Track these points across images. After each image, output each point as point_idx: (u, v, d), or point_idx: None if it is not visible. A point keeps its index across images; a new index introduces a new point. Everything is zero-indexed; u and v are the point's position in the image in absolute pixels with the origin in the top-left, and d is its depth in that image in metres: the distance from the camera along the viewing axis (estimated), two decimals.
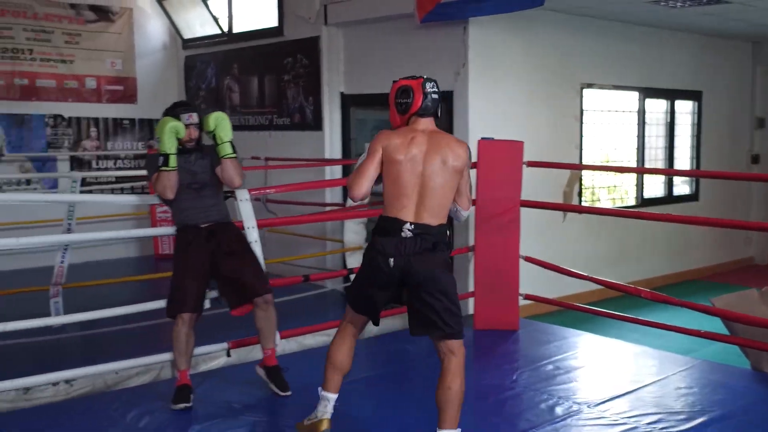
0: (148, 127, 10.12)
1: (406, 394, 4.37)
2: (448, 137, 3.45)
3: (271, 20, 8.76)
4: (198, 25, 9.78)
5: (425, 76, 3.52)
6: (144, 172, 9.54)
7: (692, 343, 5.89)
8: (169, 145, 4.12)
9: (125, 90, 9.96)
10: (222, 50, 9.56)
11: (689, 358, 5.09)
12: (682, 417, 3.96)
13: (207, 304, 5.29)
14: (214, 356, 4.81)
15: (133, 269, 9.09)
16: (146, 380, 4.57)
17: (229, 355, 4.63)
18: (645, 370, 4.82)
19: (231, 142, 4.26)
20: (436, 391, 3.34)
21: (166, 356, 4.44)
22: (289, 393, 4.21)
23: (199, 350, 4.50)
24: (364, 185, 3.43)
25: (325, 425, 3.50)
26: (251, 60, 9.18)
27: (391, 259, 3.31)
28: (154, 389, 4.36)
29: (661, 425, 3.86)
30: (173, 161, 4.13)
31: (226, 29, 9.39)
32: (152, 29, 10.19)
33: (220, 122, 4.20)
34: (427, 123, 3.46)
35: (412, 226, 3.31)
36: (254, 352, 4.96)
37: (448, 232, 3.41)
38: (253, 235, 4.56)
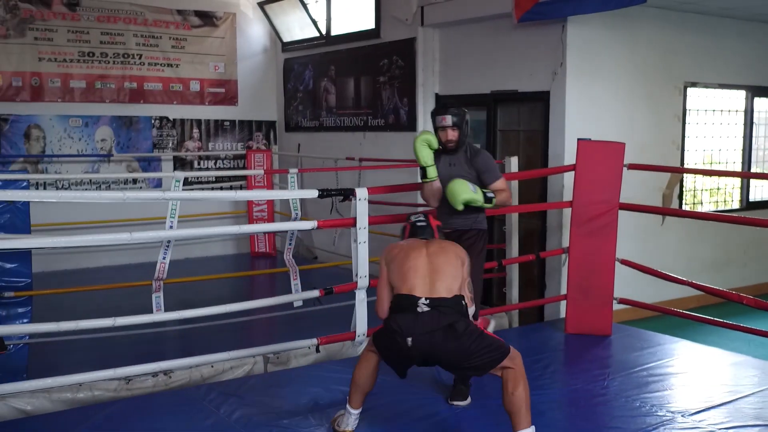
0: (247, 128, 10.44)
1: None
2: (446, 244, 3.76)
3: (368, 22, 8.87)
4: (297, 29, 10.00)
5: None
6: (242, 172, 9.94)
7: None
8: (424, 158, 4.22)
9: (226, 92, 10.30)
10: (319, 53, 9.75)
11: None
12: None
13: (300, 302, 5.45)
14: (304, 352, 4.91)
15: (231, 266, 9.38)
16: (239, 374, 4.71)
17: (318, 350, 4.72)
18: (745, 380, 4.62)
19: (423, 167, 4.28)
20: (502, 400, 3.42)
21: (259, 350, 4.57)
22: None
23: (288, 345, 4.61)
24: (383, 305, 3.66)
25: None
26: (348, 62, 9.32)
27: (410, 339, 3.38)
28: (247, 383, 4.49)
29: None
30: (431, 172, 4.24)
31: (324, 32, 9.56)
32: (254, 33, 10.49)
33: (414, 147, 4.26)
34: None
35: (427, 300, 3.45)
36: (344, 349, 5.05)
37: (464, 302, 3.52)
38: (363, 236, 4.60)
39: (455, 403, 4.15)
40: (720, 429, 3.82)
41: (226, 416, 3.97)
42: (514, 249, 6.38)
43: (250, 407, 4.09)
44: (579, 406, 4.23)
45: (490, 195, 4.17)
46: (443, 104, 4.37)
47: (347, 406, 3.71)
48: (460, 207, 4.09)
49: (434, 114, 4.31)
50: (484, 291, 7.57)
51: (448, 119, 4.21)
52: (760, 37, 8.25)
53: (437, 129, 4.28)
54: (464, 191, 4.06)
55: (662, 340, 5.42)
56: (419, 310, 3.39)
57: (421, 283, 3.47)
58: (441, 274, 3.50)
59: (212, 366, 4.64)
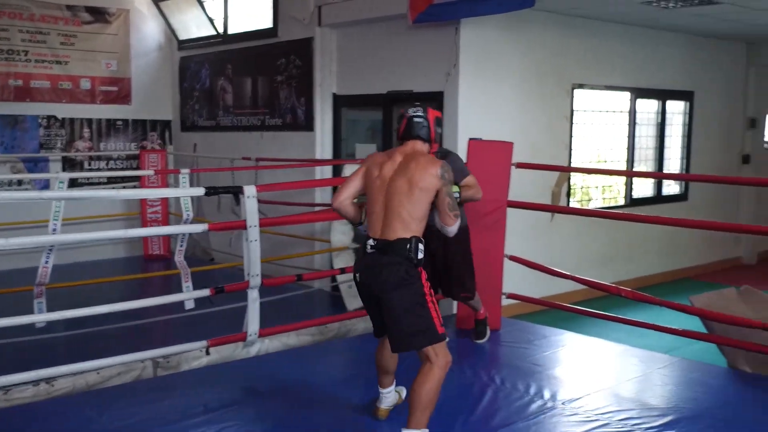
0: (141, 128, 10.20)
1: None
2: (423, 158, 3.55)
3: (265, 21, 8.82)
4: (194, 27, 9.84)
5: (417, 104, 3.77)
6: (135, 173, 9.69)
7: (675, 341, 5.93)
8: None
9: (120, 91, 10.03)
10: (216, 51, 9.62)
11: (669, 357, 5.11)
12: (655, 414, 3.99)
13: (192, 304, 5.36)
14: (195, 356, 4.83)
15: (122, 270, 9.13)
16: (128, 380, 4.59)
17: (208, 353, 4.66)
18: (625, 368, 4.84)
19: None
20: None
21: (147, 354, 4.48)
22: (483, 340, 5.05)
23: (178, 348, 4.54)
24: (341, 194, 3.70)
25: (380, 413, 3.96)
26: (245, 61, 9.24)
27: (358, 274, 3.54)
28: (134, 388, 4.39)
29: (633, 421, 3.88)
30: None
31: (221, 30, 9.45)
32: (148, 30, 10.25)
33: None
34: (411, 145, 3.65)
35: (374, 241, 3.48)
36: (237, 351, 5.00)
37: (409, 246, 3.42)
38: (253, 234, 4.56)
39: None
40: (597, 414, 3.99)
41: (110, 423, 3.87)
42: None
43: (136, 413, 4.00)
44: (467, 398, 4.33)
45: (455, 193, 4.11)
46: (414, 105, 4.36)
47: (378, 386, 3.97)
48: None
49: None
50: None
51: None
52: (643, 41, 8.64)
53: None
54: None
55: (548, 332, 5.60)
56: (368, 250, 3.50)
57: (375, 219, 3.53)
58: (394, 211, 3.46)
59: (98, 372, 4.49)
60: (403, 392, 4.07)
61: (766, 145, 10.62)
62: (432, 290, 3.53)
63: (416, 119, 3.68)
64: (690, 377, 4.61)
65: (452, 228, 3.55)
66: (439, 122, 3.78)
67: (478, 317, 5.29)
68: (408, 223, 3.45)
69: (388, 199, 3.49)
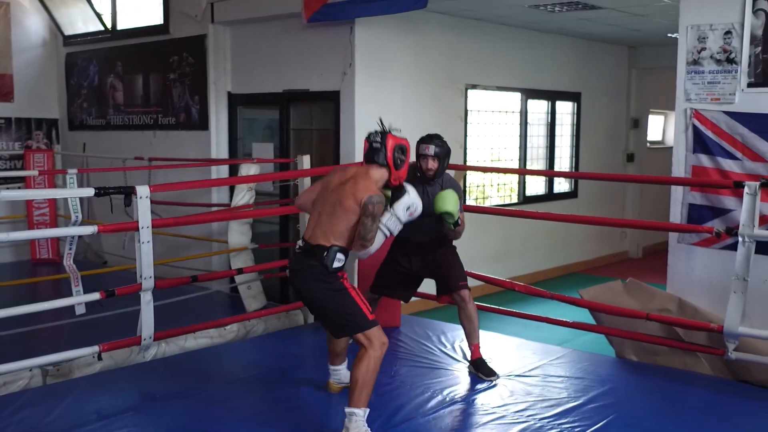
0: (26, 127, 9.73)
1: (292, 392, 4.37)
2: (362, 183, 3.72)
3: (156, 18, 8.58)
4: (80, 21, 9.47)
5: (379, 131, 3.91)
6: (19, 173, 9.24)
7: (567, 333, 6.16)
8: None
9: (1, 87, 9.52)
10: (105, 47, 9.30)
11: (562, 348, 5.30)
12: (549, 404, 4.13)
13: (82, 309, 5.16)
14: (87, 362, 4.66)
15: (8, 275, 8.69)
16: (14, 389, 4.38)
17: (100, 358, 4.50)
18: (520, 361, 4.98)
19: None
20: None
21: (35, 362, 4.28)
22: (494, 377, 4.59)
23: (68, 355, 4.36)
24: (303, 196, 4.11)
25: (329, 387, 4.38)
26: (135, 58, 8.97)
27: (288, 271, 3.89)
28: (21, 398, 4.19)
29: (528, 413, 4.01)
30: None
31: (109, 26, 9.14)
32: (31, 25, 9.78)
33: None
34: (366, 167, 3.86)
35: (303, 242, 3.78)
36: (132, 356, 4.86)
37: (326, 254, 3.66)
38: (146, 236, 4.44)
39: None
40: (493, 408, 4.10)
41: None
42: None
43: (23, 422, 3.83)
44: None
45: (458, 221, 4.36)
46: (429, 135, 4.56)
47: None
48: (441, 210, 4.26)
49: (419, 142, 4.51)
50: (281, 288, 7.60)
51: (431, 149, 4.47)
52: (533, 44, 8.92)
53: (419, 156, 4.51)
54: (452, 203, 4.26)
55: (447, 328, 5.70)
56: (296, 249, 3.79)
57: (310, 222, 3.83)
58: (322, 220, 3.74)
59: None
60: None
61: (649, 145, 11.18)
62: (353, 287, 3.76)
63: (374, 144, 3.84)
64: (580, 367, 4.80)
65: (360, 253, 3.73)
66: (401, 149, 3.84)
67: (474, 356, 4.73)
68: (327, 234, 3.70)
69: (322, 208, 3.76)
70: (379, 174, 3.81)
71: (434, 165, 4.50)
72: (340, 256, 3.69)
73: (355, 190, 3.66)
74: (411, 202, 3.83)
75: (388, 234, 3.79)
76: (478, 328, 4.70)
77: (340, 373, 4.35)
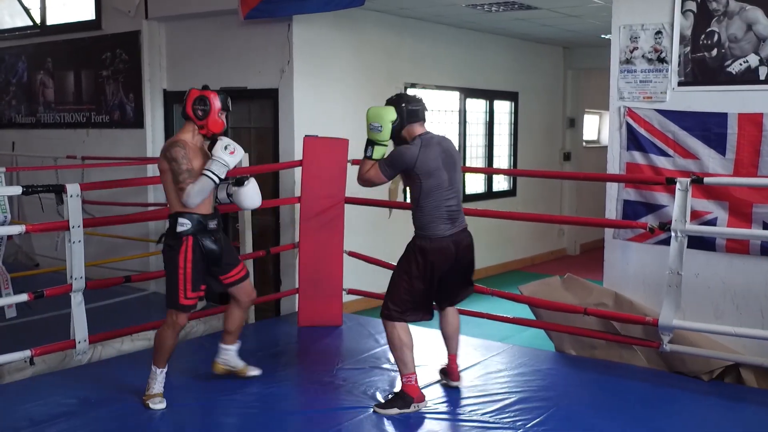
0: None
1: (232, 394, 4.30)
2: (166, 143, 4.05)
3: (87, 13, 8.37)
4: (7, 16, 9.22)
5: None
6: None
7: (508, 329, 6.22)
8: (387, 134, 4.06)
9: None
10: (34, 43, 9.03)
11: (503, 344, 5.36)
12: (491, 399, 4.17)
13: (13, 312, 4.99)
14: (18, 366, 4.50)
15: None
16: None
17: (32, 363, 4.35)
18: (462, 357, 4.95)
19: (379, 142, 4.11)
20: None
21: None
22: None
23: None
24: None
25: (214, 366, 4.44)
26: (67, 54, 8.73)
27: None
28: None
29: (470, 408, 4.04)
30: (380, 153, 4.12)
31: (38, 21, 8.87)
32: None
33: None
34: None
35: None
36: (67, 359, 4.71)
37: (170, 221, 3.97)
38: (76, 235, 4.32)
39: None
40: (436, 404, 4.12)
41: None
42: (247, 245, 6.34)
43: None
44: (309, 394, 4.33)
45: (372, 154, 4.08)
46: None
47: None
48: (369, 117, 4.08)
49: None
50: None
51: None
52: (471, 43, 8.99)
53: None
54: (375, 118, 4.04)
55: None
56: None
57: None
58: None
59: None
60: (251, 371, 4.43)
61: (584, 144, 11.39)
62: (191, 262, 3.93)
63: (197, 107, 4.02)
64: (521, 362, 4.86)
65: (183, 200, 3.87)
66: (200, 100, 3.99)
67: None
68: (170, 205, 3.99)
69: None
70: (188, 129, 4.04)
71: None
72: (182, 220, 3.91)
73: (162, 150, 3.96)
74: (227, 142, 3.94)
75: (214, 177, 3.86)
76: None
77: (229, 353, 4.40)
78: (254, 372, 4.44)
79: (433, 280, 4.05)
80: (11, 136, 9.47)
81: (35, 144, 9.07)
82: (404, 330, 4.07)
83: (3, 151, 9.34)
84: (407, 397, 3.99)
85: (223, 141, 3.93)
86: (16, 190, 4.33)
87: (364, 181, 4.13)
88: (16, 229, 4.34)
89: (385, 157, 4.09)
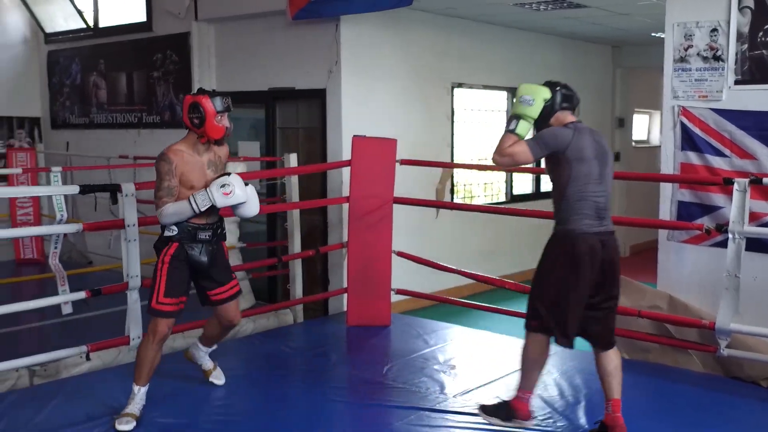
0: (7, 125, 9.62)
1: (281, 391, 4.33)
2: None
3: (139, 15, 8.51)
4: (61, 19, 9.38)
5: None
6: (1, 171, 9.10)
7: None
8: (537, 110, 3.64)
9: None
10: (87, 45, 9.21)
11: (553, 346, 5.27)
12: (539, 403, 4.12)
13: (69, 309, 5.08)
14: (75, 362, 4.59)
15: None
16: (2, 390, 4.31)
17: (88, 358, 4.43)
18: (511, 359, 4.91)
19: (526, 116, 3.67)
20: None
21: (21, 362, 4.21)
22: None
23: (55, 355, 4.31)
24: None
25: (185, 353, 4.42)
26: (119, 56, 8.88)
27: None
28: (6, 399, 4.12)
29: None
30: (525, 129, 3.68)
31: (91, 23, 9.05)
32: (11, 22, 9.67)
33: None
34: None
35: None
36: (121, 356, 4.79)
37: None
38: (132, 234, 4.39)
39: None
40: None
41: None
42: (296, 245, 6.40)
43: (11, 424, 3.76)
44: (359, 394, 4.33)
45: (516, 128, 3.65)
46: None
47: None
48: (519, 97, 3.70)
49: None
50: (269, 287, 7.55)
51: None
52: (518, 43, 8.92)
53: None
54: (528, 92, 3.65)
55: (437, 326, 5.69)
56: None
57: None
58: None
59: None
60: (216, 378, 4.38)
61: (634, 144, 11.22)
62: (168, 265, 3.77)
63: None
64: (572, 365, 4.79)
65: (157, 215, 3.79)
66: (192, 107, 3.73)
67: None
68: None
69: None
70: (189, 138, 3.82)
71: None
72: (171, 225, 3.77)
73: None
74: (227, 181, 3.68)
75: (194, 206, 3.65)
76: None
77: (200, 351, 4.32)
78: (218, 381, 4.33)
79: (580, 284, 3.56)
80: (65, 137, 9.68)
81: (88, 144, 9.25)
82: (540, 345, 3.69)
83: (57, 151, 9.56)
84: (513, 412, 3.74)
85: (224, 179, 3.68)
86: (74, 189, 4.41)
87: (504, 155, 3.61)
88: (74, 228, 4.43)
89: (530, 136, 3.67)
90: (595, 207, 3.60)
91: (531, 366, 3.73)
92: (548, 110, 3.68)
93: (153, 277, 3.82)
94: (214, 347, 4.36)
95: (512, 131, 3.64)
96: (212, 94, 3.79)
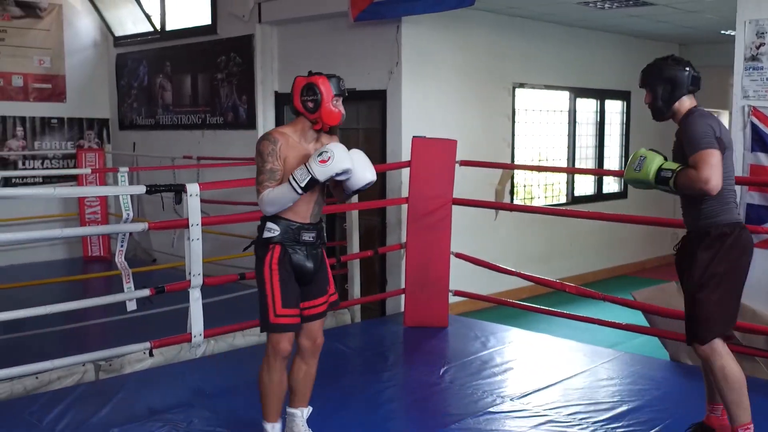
0: (78, 126, 9.93)
1: (338, 391, 4.36)
2: None
3: (204, 18, 8.67)
4: (130, 23, 9.62)
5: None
6: (71, 171, 9.37)
7: (619, 336, 6.04)
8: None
9: (54, 88, 9.73)
10: (154, 48, 9.43)
11: (613, 351, 5.20)
12: (601, 408, 4.05)
13: (134, 306, 5.22)
14: (138, 357, 4.71)
15: (60, 272, 8.87)
16: (68, 384, 4.45)
17: (151, 354, 4.54)
18: (570, 363, 4.90)
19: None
20: None
21: (88, 357, 4.34)
22: None
23: (120, 351, 4.42)
24: None
25: None
26: (184, 58, 9.07)
27: None
28: (74, 392, 4.25)
29: (580, 416, 3.94)
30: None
31: (158, 27, 9.25)
32: (82, 26, 9.98)
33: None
34: None
35: None
36: (182, 352, 4.89)
37: (259, 225, 3.40)
38: (195, 233, 4.48)
39: None
40: (545, 410, 4.03)
41: (50, 428, 3.74)
42: (354, 245, 6.43)
43: (77, 417, 3.88)
44: (416, 396, 4.34)
45: (667, 174, 3.31)
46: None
47: None
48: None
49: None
50: None
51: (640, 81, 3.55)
52: (581, 42, 8.79)
53: None
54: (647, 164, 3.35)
55: (495, 329, 5.65)
56: None
57: None
58: None
59: (36, 377, 4.35)
60: None
61: None
62: (278, 272, 3.26)
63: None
64: (633, 370, 4.70)
65: (260, 203, 3.29)
66: (307, 89, 3.28)
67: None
68: None
69: None
70: (296, 124, 3.35)
71: (648, 99, 3.52)
72: (270, 225, 3.30)
73: None
74: (326, 149, 3.18)
75: (295, 185, 3.16)
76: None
77: (294, 420, 3.51)
78: None
79: (741, 279, 3.28)
80: (132, 137, 9.93)
81: (154, 144, 9.48)
82: (730, 357, 3.25)
83: (125, 152, 9.82)
84: None
85: (322, 147, 3.22)
86: (140, 189, 4.53)
87: (708, 176, 3.16)
88: (139, 227, 4.53)
89: (693, 137, 3.23)
90: (735, 200, 3.41)
91: (737, 388, 3.23)
92: (673, 96, 3.35)
93: (261, 289, 3.30)
94: (309, 409, 3.58)
95: (673, 174, 3.32)
96: (329, 75, 3.35)
